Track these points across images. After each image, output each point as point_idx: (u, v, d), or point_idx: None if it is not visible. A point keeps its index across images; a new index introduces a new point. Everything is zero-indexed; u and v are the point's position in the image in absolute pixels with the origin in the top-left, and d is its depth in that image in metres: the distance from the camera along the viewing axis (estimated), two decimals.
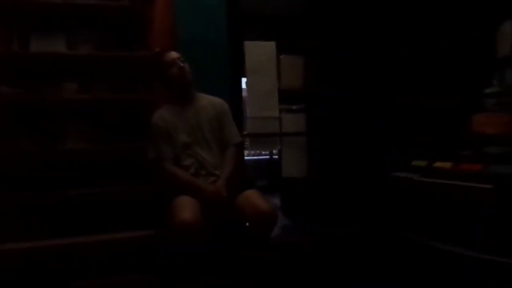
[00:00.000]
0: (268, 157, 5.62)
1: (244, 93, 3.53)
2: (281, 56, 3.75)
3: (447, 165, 2.56)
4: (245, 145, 3.75)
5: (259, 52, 3.56)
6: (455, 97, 2.92)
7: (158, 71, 2.26)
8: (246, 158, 4.61)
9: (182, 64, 2.19)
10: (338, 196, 3.37)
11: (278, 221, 2.03)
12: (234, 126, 2.31)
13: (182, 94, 2.23)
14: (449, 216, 2.51)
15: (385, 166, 3.10)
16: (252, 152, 5.71)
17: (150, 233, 2.23)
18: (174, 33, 2.44)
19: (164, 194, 2.10)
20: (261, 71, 3.54)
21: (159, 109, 2.24)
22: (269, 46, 3.60)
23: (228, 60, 2.85)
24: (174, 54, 2.22)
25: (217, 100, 2.31)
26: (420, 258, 2.43)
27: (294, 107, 3.86)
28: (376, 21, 3.35)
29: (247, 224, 2.03)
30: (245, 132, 3.52)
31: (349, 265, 2.41)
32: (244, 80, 3.55)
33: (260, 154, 5.85)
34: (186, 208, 1.90)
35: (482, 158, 2.43)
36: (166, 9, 2.40)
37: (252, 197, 2.03)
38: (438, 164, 2.62)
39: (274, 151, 5.12)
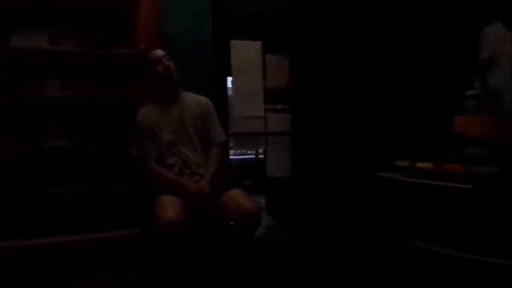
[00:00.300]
0: (253, 156, 5.62)
1: (230, 92, 3.53)
2: (267, 56, 3.76)
3: (429, 165, 2.60)
4: (230, 145, 3.75)
5: (245, 51, 3.57)
6: (440, 98, 2.98)
7: (143, 68, 2.24)
8: (231, 157, 4.60)
9: (167, 62, 2.18)
10: (322, 195, 3.40)
11: (262, 220, 2.04)
12: (219, 125, 2.30)
13: (167, 93, 2.21)
14: (431, 216, 2.54)
15: (370, 165, 3.13)
16: (238, 151, 5.70)
17: (134, 232, 2.21)
18: (160, 30, 2.43)
19: (148, 193, 2.08)
20: (247, 71, 3.55)
21: (143, 107, 2.22)
22: (255, 46, 3.61)
23: (214, 59, 2.85)
24: (159, 52, 2.21)
25: (202, 99, 2.31)
26: (402, 257, 2.46)
27: (279, 106, 3.87)
28: (364, 20, 3.37)
29: (231, 223, 2.03)
30: (230, 131, 3.52)
31: (333, 263, 2.44)
32: (229, 79, 3.56)
33: (245, 154, 5.84)
34: (170, 207, 1.89)
35: (463, 159, 2.47)
36: (151, 6, 2.38)
37: (236, 196, 2.04)
38: (420, 164, 2.66)
39: (260, 151, 5.14)
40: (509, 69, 2.96)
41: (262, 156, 4.71)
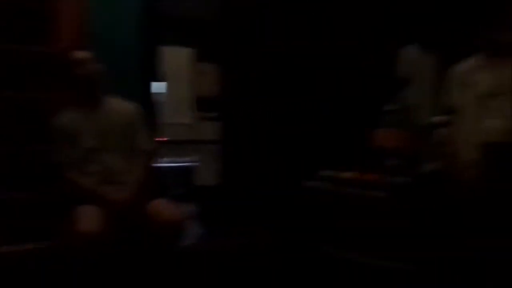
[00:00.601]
0: (186, 164, 5.54)
1: (160, 99, 3.47)
2: (198, 63, 3.75)
3: (351, 175, 2.73)
4: (160, 152, 3.66)
5: (176, 58, 3.54)
6: (361, 113, 3.16)
7: (65, 70, 2.13)
8: (163, 165, 4.50)
9: (91, 65, 2.09)
10: (252, 204, 3.43)
11: (193, 229, 2.03)
12: (146, 132, 2.25)
13: (89, 96, 2.13)
14: (352, 225, 2.66)
15: (297, 175, 3.22)
16: (171, 159, 5.59)
17: (48, 244, 2.07)
18: (85, 31, 2.33)
19: (64, 202, 1.98)
20: (178, 77, 3.52)
21: (63, 110, 2.11)
22: (187, 53, 3.59)
23: (142, 64, 2.78)
24: (83, 54, 2.12)
25: (128, 105, 2.25)
26: (324, 267, 2.55)
27: (210, 114, 3.86)
28: (289, 25, 3.46)
29: (155, 233, 1.99)
30: (160, 139, 3.45)
31: (257, 271, 2.46)
32: (159, 85, 3.50)
33: (178, 161, 5.75)
34: (88, 217, 1.82)
35: (381, 169, 2.63)
36: (75, 5, 2.28)
37: (161, 206, 2.02)
38: (343, 174, 2.79)
39: (193, 158, 5.08)
40: (422, 87, 3.23)
41: (194, 164, 4.66)
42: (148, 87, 2.96)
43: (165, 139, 3.54)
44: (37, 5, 2.27)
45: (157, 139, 3.15)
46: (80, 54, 2.11)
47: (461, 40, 2.69)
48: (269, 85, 3.46)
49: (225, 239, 3.26)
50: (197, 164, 3.96)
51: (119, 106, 2.21)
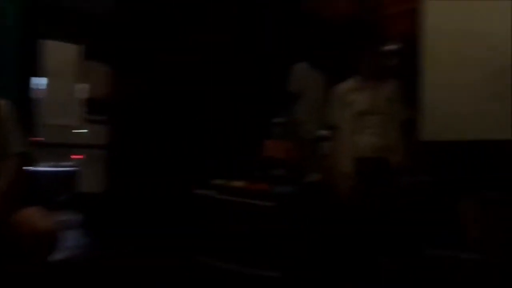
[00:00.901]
0: (69, 169, 5.12)
1: (41, 97, 3.16)
2: (88, 62, 3.51)
3: (241, 184, 2.80)
4: (36, 155, 3.33)
5: (61, 54, 3.26)
6: (253, 124, 3.28)
7: None
8: (41, 169, 4.11)
9: None
10: (140, 213, 3.30)
11: (77, 238, 1.88)
12: (18, 133, 2.02)
13: None
14: (240, 235, 2.71)
15: (188, 182, 3.19)
16: (52, 163, 5.12)
17: None
18: None
19: None
20: (62, 75, 3.25)
21: None
22: (73, 49, 3.34)
23: (19, 58, 2.52)
24: None
25: None
26: (203, 277, 2.55)
27: (98, 117, 3.65)
28: (180, 27, 3.43)
29: (23, 245, 1.79)
30: (40, 140, 3.15)
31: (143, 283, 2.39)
32: (40, 82, 3.18)
33: (60, 166, 5.29)
34: None
35: (269, 179, 2.75)
36: None
37: (31, 214, 1.82)
38: (233, 183, 2.85)
39: (76, 163, 4.72)
40: (310, 102, 3.47)
41: (79, 169, 4.34)
42: (26, 83, 2.68)
43: (43, 140, 3.22)
44: None
45: (33, 140, 2.86)
46: None
47: (344, 62, 2.95)
48: (162, 90, 3.39)
49: (108, 249, 3.10)
50: (80, 169, 3.68)
51: None
